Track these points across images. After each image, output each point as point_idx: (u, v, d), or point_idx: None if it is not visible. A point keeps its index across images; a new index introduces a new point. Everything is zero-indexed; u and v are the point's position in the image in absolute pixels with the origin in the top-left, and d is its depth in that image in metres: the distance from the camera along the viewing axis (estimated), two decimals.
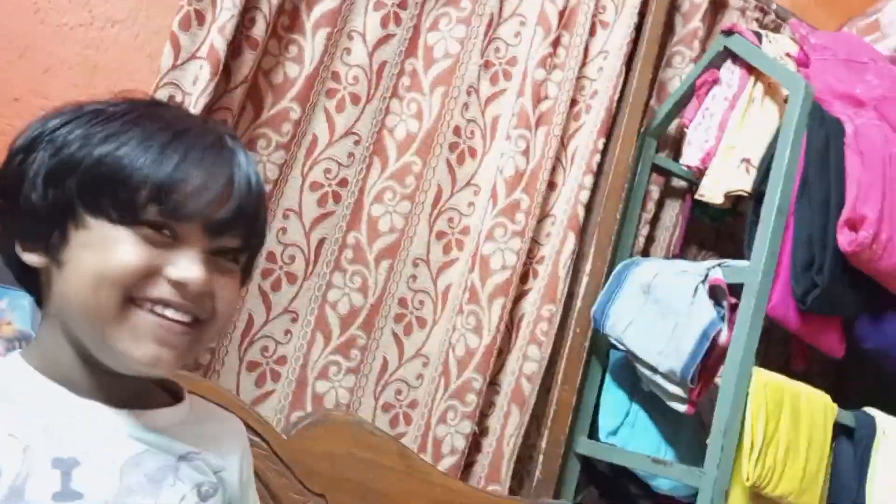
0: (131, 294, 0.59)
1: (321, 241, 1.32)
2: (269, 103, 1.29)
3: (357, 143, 1.35)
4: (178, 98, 1.18)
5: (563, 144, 1.47)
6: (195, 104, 1.16)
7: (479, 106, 1.45)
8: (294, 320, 1.30)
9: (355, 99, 1.34)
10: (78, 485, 0.58)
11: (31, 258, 0.62)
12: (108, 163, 0.59)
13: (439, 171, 1.41)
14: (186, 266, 0.60)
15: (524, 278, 1.44)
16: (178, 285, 0.60)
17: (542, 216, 1.45)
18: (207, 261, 0.62)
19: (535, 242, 1.45)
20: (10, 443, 0.57)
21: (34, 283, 0.65)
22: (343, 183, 1.34)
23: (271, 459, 1.09)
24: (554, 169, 1.45)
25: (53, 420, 0.60)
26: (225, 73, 1.22)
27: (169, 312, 0.60)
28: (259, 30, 1.24)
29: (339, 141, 1.33)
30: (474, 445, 1.38)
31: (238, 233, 0.64)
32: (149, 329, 0.60)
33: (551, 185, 1.46)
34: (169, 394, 0.70)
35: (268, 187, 1.26)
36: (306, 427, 1.14)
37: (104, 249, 0.59)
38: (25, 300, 0.92)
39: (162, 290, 0.60)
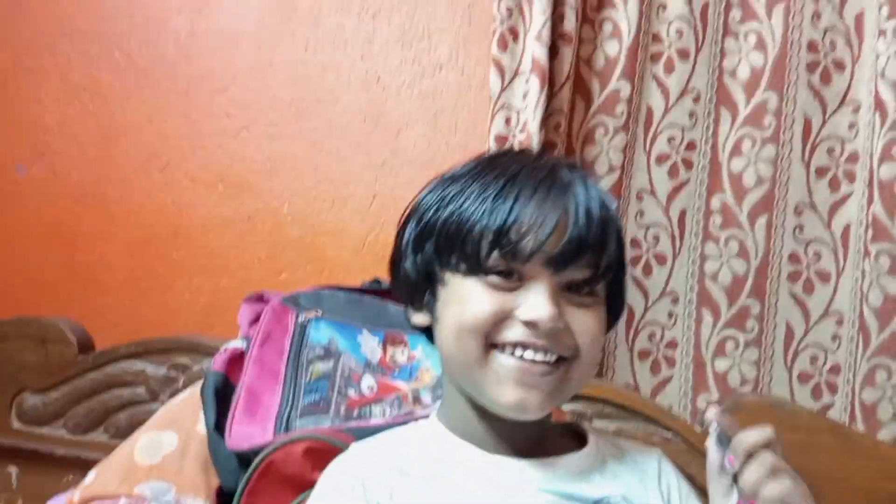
0: (491, 340, 0.62)
1: (682, 214, 1.25)
2: (596, 91, 1.26)
3: (696, 99, 1.24)
4: (513, 118, 1.22)
5: None
6: (533, 117, 1.18)
7: (834, 8, 1.22)
8: (675, 301, 1.24)
9: (683, 54, 1.24)
10: None
11: (418, 318, 0.70)
12: (453, 220, 0.64)
13: (802, 100, 1.22)
14: (534, 305, 0.61)
15: None
16: (530, 325, 0.61)
17: None
18: (557, 297, 0.62)
19: None
20: None
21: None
22: (691, 147, 1.25)
23: (692, 454, 1.05)
24: None
25: (470, 480, 0.63)
26: (549, 77, 1.22)
27: (528, 354, 0.62)
28: (570, 23, 1.22)
29: (676, 104, 1.24)
30: None
31: (583, 263, 0.63)
32: (510, 373, 0.62)
33: None
34: (573, 437, 0.70)
35: (615, 173, 1.23)
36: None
37: (460, 302, 0.64)
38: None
39: (517, 332, 0.62)
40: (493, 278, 0.62)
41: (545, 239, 0.61)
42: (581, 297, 0.64)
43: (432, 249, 0.65)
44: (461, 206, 0.64)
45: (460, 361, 0.64)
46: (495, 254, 0.62)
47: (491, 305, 0.62)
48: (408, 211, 0.70)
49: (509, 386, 0.62)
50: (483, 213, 0.62)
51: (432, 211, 0.66)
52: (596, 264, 0.63)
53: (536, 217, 0.61)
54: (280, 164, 1.38)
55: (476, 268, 0.62)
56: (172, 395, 1.06)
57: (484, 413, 0.65)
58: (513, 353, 0.62)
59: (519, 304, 0.62)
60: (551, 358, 0.62)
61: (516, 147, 1.20)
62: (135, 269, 1.42)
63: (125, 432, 1.02)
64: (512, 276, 0.62)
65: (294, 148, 1.38)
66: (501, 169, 0.65)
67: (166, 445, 0.91)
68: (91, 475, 0.92)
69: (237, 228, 1.38)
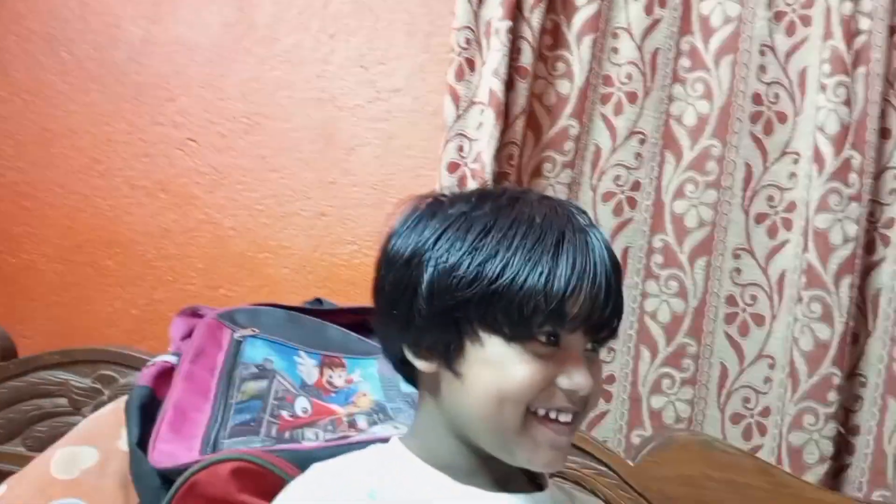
0: (531, 407, 0.63)
1: (625, 251, 1.27)
2: (547, 126, 1.28)
3: (643, 141, 1.27)
4: (466, 146, 1.22)
5: (889, 83, 1.22)
6: (487, 148, 1.19)
7: (779, 63, 1.27)
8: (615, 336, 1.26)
9: (632, 97, 1.27)
10: None
11: (423, 365, 0.66)
12: (501, 285, 0.61)
13: (744, 148, 1.26)
14: (576, 374, 0.62)
15: (870, 248, 1.22)
16: (569, 393, 0.62)
17: (879, 171, 1.22)
18: (587, 360, 0.64)
19: (876, 204, 1.22)
20: None
21: (411, 374, 0.70)
22: (636, 186, 1.27)
23: (623, 488, 1.05)
24: (884, 114, 1.21)
25: None
26: (504, 109, 1.24)
27: (561, 417, 0.63)
28: (526, 58, 1.24)
29: (623, 144, 1.27)
30: (845, 448, 1.20)
31: (613, 325, 0.65)
32: (547, 438, 0.63)
33: (884, 133, 1.21)
34: (527, 476, 0.71)
35: None
36: (652, 452, 1.08)
37: (502, 368, 0.62)
38: (374, 369, 0.97)
39: (556, 399, 0.63)
40: (536, 346, 0.62)
41: (591, 310, 0.62)
42: (594, 352, 0.66)
43: (470, 307, 0.62)
44: (505, 268, 0.61)
45: (495, 426, 0.63)
46: (546, 325, 0.61)
47: (537, 376, 0.62)
48: (412, 249, 0.65)
49: (544, 450, 0.63)
50: (537, 284, 0.60)
51: (464, 267, 0.62)
52: (618, 324, 0.66)
53: (586, 289, 0.61)
54: (226, 177, 1.35)
55: (523, 336, 0.61)
56: (96, 407, 1.01)
57: (470, 449, 0.66)
58: (546, 417, 0.63)
59: (559, 371, 0.62)
60: (573, 417, 0.64)
61: (469, 174, 1.21)
62: (65, 274, 1.37)
63: (44, 445, 0.97)
64: (553, 345, 0.62)
65: (242, 161, 1.36)
66: (540, 229, 0.63)
67: (85, 460, 0.87)
68: (3, 488, 0.88)
69: (176, 239, 1.35)
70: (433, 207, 0.67)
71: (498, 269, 0.61)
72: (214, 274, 1.34)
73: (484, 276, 0.61)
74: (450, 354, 0.64)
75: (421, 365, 0.66)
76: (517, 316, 0.61)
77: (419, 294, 0.63)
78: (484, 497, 0.64)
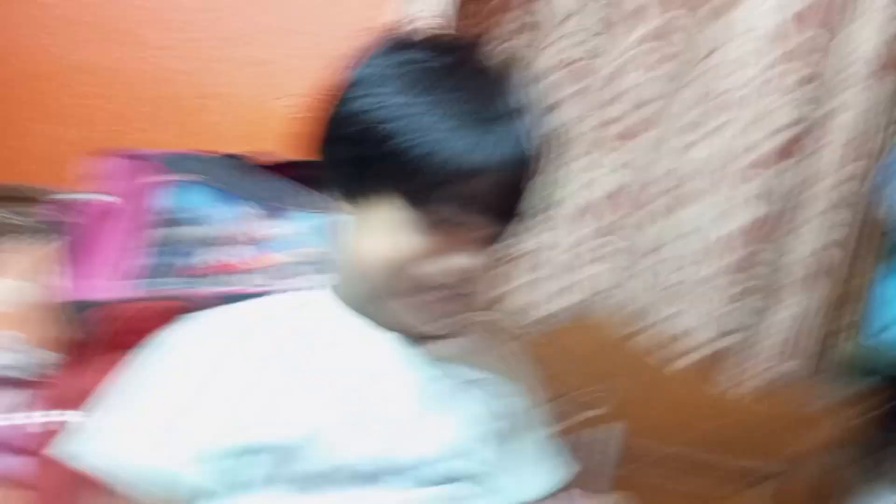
0: (417, 274, 0.63)
1: (577, 120, 1.26)
2: None
3: (608, 4, 1.23)
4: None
5: None
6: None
7: None
8: (559, 204, 1.27)
9: None
10: (385, 406, 0.65)
11: (336, 204, 0.67)
12: (414, 151, 0.60)
13: (704, 24, 1.24)
14: (470, 256, 0.63)
15: (815, 133, 1.23)
16: (460, 272, 0.63)
17: (836, 56, 1.22)
18: (486, 245, 0.64)
19: (827, 89, 1.23)
20: (334, 374, 0.65)
21: None
22: (595, 54, 1.25)
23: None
24: None
25: (361, 349, 0.67)
26: None
27: (446, 291, 0.64)
28: None
29: (584, 8, 1.23)
30: (761, 322, 1.27)
31: (519, 214, 0.65)
32: (429, 308, 0.64)
33: (845, 16, 1.20)
34: None
35: None
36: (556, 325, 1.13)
37: (396, 232, 0.62)
38: (320, 221, 0.95)
39: (445, 276, 0.63)
40: (436, 219, 0.61)
41: (500, 196, 0.62)
42: (495, 239, 0.65)
43: (380, 161, 0.61)
44: (424, 136, 0.59)
45: (379, 288, 0.64)
46: (448, 201, 0.60)
47: (428, 249, 0.62)
48: (355, 79, 0.63)
49: (425, 319, 0.65)
50: (448, 156, 0.59)
51: (390, 121, 0.61)
52: (525, 214, 0.65)
53: (498, 174, 0.61)
54: (161, 14, 1.25)
55: (422, 205, 0.61)
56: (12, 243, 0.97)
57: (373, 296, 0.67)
58: (432, 289, 0.63)
59: (454, 249, 0.62)
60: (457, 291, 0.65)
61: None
62: None
63: None
64: (453, 222, 0.62)
65: None
66: (466, 101, 0.61)
67: (12, 294, 0.84)
68: None
69: (107, 77, 1.25)
70: (395, 47, 0.65)
71: (416, 134, 0.60)
72: (150, 117, 1.26)
73: (402, 137, 0.60)
74: (359, 202, 0.64)
75: (334, 202, 0.67)
76: (420, 183, 0.60)
77: (343, 132, 0.63)
78: (403, 341, 0.67)
